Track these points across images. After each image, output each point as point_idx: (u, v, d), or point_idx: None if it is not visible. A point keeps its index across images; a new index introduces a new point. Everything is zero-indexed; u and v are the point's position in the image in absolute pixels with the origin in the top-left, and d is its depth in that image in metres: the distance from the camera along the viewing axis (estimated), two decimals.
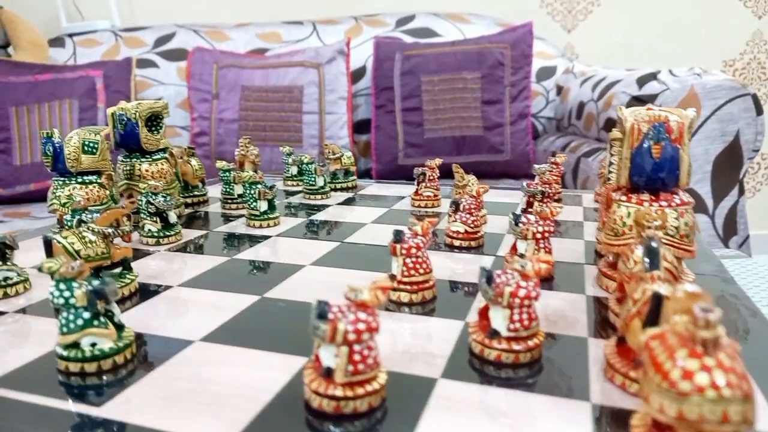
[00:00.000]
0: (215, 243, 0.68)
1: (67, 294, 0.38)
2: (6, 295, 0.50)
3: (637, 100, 1.41)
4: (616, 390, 0.35)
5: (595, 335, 0.42)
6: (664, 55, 1.99)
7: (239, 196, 0.79)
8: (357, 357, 0.33)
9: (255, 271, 0.58)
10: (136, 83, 1.91)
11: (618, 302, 0.43)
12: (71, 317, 0.38)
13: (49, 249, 0.47)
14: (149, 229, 0.64)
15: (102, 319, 0.39)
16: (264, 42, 2.04)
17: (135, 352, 0.41)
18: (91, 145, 0.64)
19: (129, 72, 1.89)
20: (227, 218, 0.77)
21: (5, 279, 0.50)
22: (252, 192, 0.69)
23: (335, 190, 0.91)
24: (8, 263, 0.51)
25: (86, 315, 0.38)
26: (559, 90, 1.89)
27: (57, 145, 0.62)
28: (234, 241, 0.68)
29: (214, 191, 0.94)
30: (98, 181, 0.65)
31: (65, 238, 0.47)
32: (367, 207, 0.82)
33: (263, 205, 0.70)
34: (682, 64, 1.76)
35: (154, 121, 0.72)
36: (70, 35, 2.05)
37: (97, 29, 2.09)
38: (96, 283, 0.39)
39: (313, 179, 0.83)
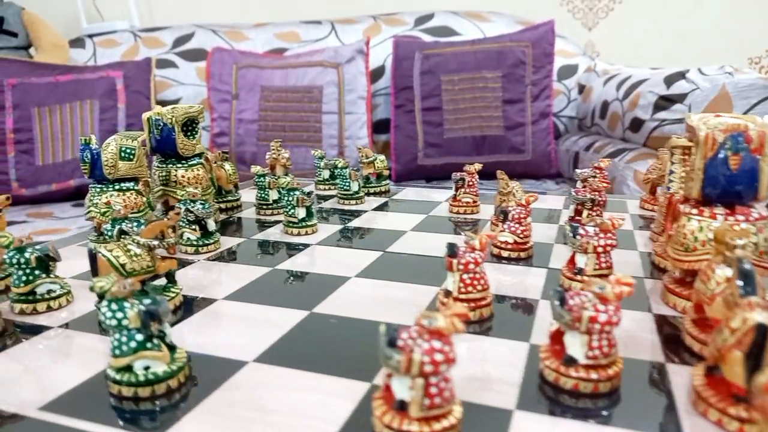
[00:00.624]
0: (253, 251, 0.65)
1: (119, 315, 0.35)
2: (49, 309, 0.48)
3: (665, 100, 1.37)
4: (712, 427, 0.32)
5: (671, 360, 0.40)
6: (688, 53, 1.94)
7: (274, 201, 0.77)
8: (434, 390, 0.31)
9: (299, 282, 0.56)
10: (155, 84, 1.89)
11: (695, 324, 0.40)
12: (124, 339, 0.36)
13: (93, 263, 0.45)
14: (188, 238, 0.62)
15: (155, 340, 0.37)
16: (282, 42, 2.02)
17: (188, 374, 0.39)
18: (128, 151, 0.62)
19: (149, 72, 1.88)
20: (262, 224, 0.75)
21: (48, 292, 0.48)
22: (290, 198, 0.67)
23: (368, 194, 0.88)
24: (51, 275, 0.49)
25: (139, 337, 0.36)
26: (581, 89, 1.85)
27: (95, 151, 0.60)
28: (272, 249, 0.66)
29: (245, 196, 0.92)
30: (135, 188, 0.63)
31: (110, 251, 0.45)
32: (403, 213, 0.80)
33: (301, 212, 0.67)
34: (707, 61, 1.72)
35: (189, 125, 0.70)
36: (90, 36, 2.04)
37: (116, 30, 2.07)
38: (148, 302, 0.36)
39: (347, 184, 0.81)
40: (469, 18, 1.98)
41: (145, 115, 0.68)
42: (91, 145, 0.60)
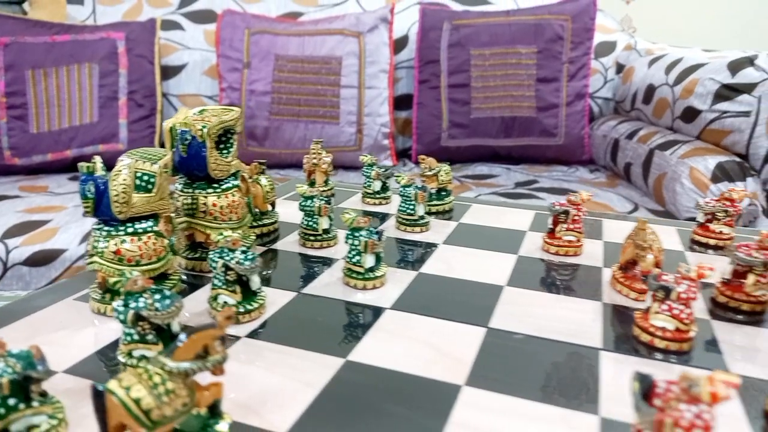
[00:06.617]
0: (313, 321, 0.43)
1: None
2: None
3: (729, 89, 1.18)
4: None
5: None
6: (734, 33, 1.73)
7: (324, 231, 0.57)
8: None
9: (396, 390, 0.35)
10: (160, 47, 1.65)
11: None
12: None
13: (100, 405, 0.27)
14: (225, 302, 0.44)
15: None
16: (298, 5, 1.77)
17: None
18: (146, 179, 0.43)
19: (153, 35, 1.63)
20: (308, 262, 0.55)
21: (29, 429, 0.30)
22: (355, 242, 0.48)
23: (428, 213, 0.66)
24: (33, 405, 0.30)
25: None
26: (620, 68, 1.64)
27: (101, 182, 0.41)
28: (338, 315, 0.44)
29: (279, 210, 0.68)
30: (155, 229, 0.44)
31: (127, 389, 0.27)
32: (484, 251, 0.58)
33: (370, 260, 0.49)
34: (754, 44, 1.51)
35: (224, 137, 0.50)
36: None
37: None
38: None
39: (412, 207, 0.61)
40: None
41: (167, 124, 0.47)
42: (95, 175, 0.41)
